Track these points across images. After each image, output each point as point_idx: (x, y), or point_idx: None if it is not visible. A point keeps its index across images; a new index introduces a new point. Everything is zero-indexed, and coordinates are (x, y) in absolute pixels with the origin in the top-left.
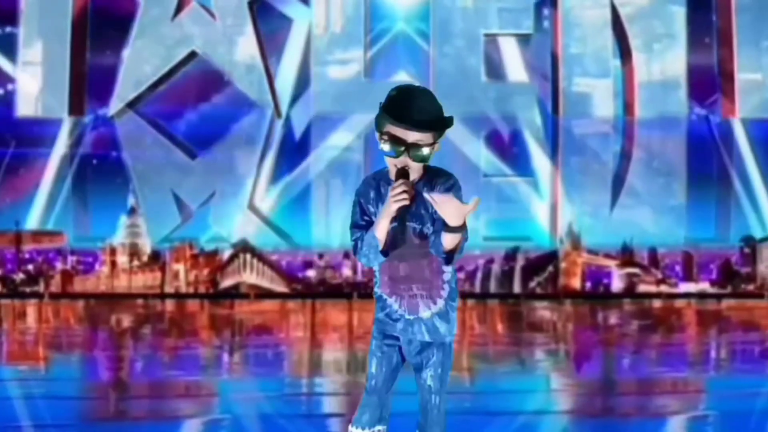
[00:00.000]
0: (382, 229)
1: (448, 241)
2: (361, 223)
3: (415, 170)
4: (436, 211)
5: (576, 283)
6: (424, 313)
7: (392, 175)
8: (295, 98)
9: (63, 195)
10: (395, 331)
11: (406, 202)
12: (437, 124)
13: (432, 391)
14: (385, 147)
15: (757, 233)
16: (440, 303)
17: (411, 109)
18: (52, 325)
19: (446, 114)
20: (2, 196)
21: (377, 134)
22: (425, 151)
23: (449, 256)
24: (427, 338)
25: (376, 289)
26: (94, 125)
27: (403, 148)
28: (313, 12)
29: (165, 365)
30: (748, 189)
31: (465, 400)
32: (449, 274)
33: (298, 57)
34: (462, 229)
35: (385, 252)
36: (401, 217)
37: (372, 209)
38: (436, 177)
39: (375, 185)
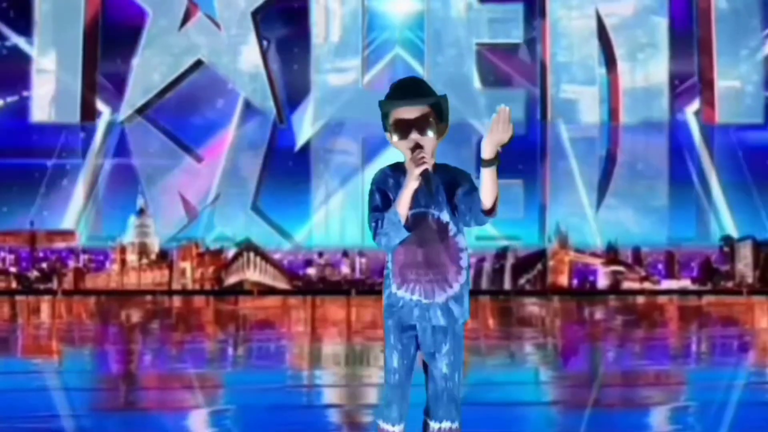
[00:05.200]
0: (404, 203)
1: (487, 185)
2: (381, 206)
3: (428, 148)
4: (456, 194)
5: (563, 280)
6: (439, 298)
7: (407, 159)
8: (296, 104)
9: (75, 196)
10: (412, 320)
11: (427, 165)
12: (430, 92)
13: (447, 378)
14: (395, 136)
15: (736, 233)
16: (456, 287)
17: (408, 87)
18: (65, 321)
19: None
20: (16, 198)
21: (388, 135)
22: (431, 128)
23: (493, 208)
24: (441, 322)
25: (387, 284)
26: (104, 130)
27: (411, 129)
28: (313, 22)
29: (172, 358)
30: (727, 191)
31: None
32: (466, 260)
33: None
34: (497, 160)
35: (407, 227)
36: (422, 204)
37: (391, 195)
38: (454, 171)
39: (393, 175)
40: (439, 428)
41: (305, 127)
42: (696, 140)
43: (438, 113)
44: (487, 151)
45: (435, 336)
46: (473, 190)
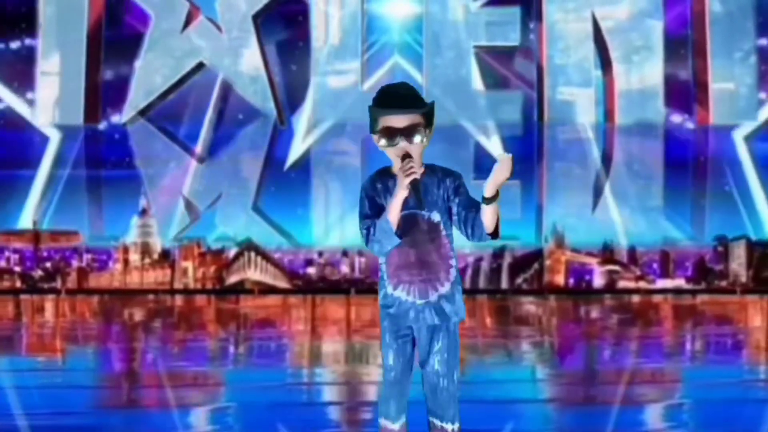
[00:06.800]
0: (394, 211)
1: (489, 216)
2: (370, 213)
3: (416, 155)
4: (451, 199)
5: (560, 279)
6: (432, 297)
7: (396, 166)
8: (297, 106)
9: (79, 197)
10: (408, 322)
11: (417, 175)
12: (421, 101)
13: (440, 375)
14: (383, 141)
15: (730, 233)
16: (447, 286)
17: (396, 95)
18: (69, 319)
19: (436, 114)
20: (21, 199)
21: (374, 137)
22: (419, 134)
23: (495, 231)
24: (436, 321)
25: (382, 285)
26: (107, 132)
27: (399, 136)
28: (313, 25)
29: (174, 357)
30: (721, 191)
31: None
32: (455, 258)
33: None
34: (497, 197)
35: (399, 234)
36: (412, 205)
37: (380, 201)
38: (441, 171)
39: (381, 180)
40: (441, 427)
41: (306, 128)
42: (690, 141)
43: (427, 120)
44: (490, 191)
45: (429, 336)
46: (471, 203)
